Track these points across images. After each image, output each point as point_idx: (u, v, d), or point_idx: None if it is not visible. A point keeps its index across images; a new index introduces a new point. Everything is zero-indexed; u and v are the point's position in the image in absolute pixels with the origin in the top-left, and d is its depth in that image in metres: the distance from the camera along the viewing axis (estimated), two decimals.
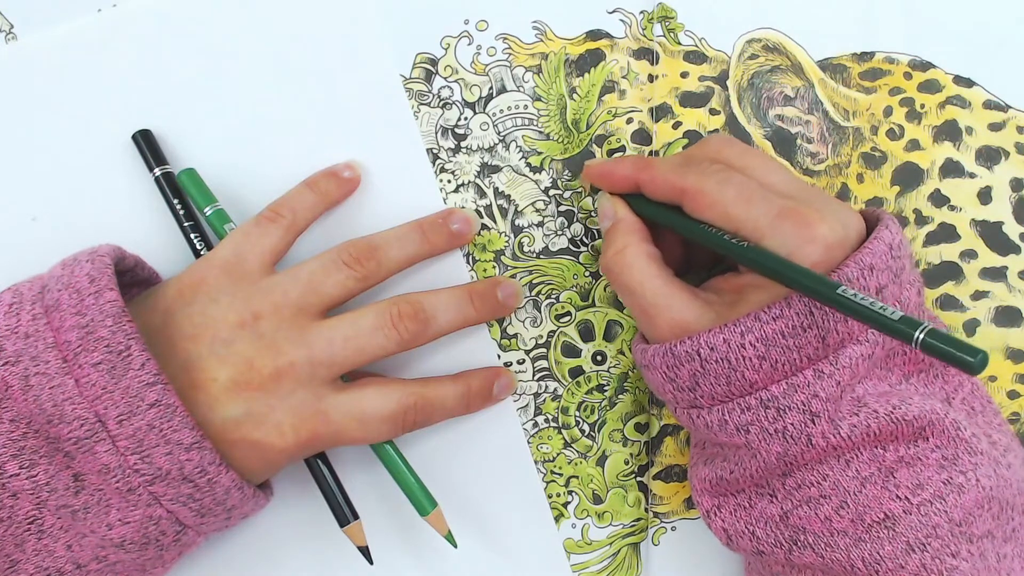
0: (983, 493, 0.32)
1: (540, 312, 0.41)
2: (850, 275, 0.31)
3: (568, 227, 0.41)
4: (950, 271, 0.41)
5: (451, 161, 0.41)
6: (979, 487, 0.32)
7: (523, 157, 0.41)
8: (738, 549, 0.35)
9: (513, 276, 0.41)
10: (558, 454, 0.42)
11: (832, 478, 0.32)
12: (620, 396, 0.42)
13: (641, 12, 0.40)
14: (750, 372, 0.31)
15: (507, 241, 0.41)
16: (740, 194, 0.33)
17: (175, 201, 0.39)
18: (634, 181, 0.37)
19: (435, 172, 0.41)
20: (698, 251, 0.39)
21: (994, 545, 0.33)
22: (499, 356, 0.42)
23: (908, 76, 0.41)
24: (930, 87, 0.41)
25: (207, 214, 0.38)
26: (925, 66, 0.41)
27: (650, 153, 0.41)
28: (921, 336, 0.27)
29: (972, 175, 0.41)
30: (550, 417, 0.42)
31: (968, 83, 0.41)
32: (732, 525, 0.34)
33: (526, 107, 0.41)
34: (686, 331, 0.33)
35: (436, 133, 0.41)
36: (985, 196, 0.41)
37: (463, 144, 0.41)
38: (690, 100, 0.41)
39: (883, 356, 0.33)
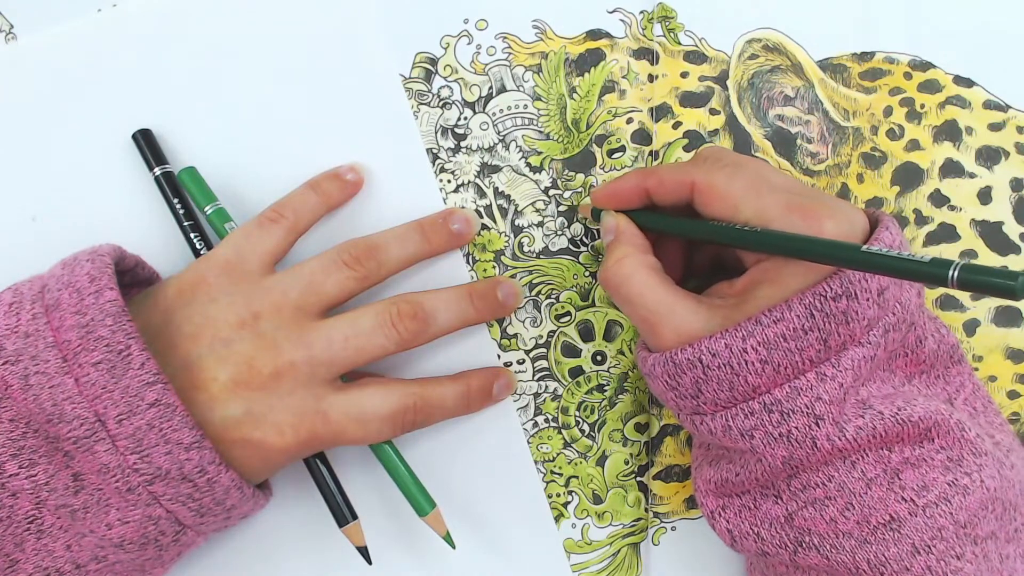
0: (987, 494, 0.32)
1: (540, 312, 0.41)
2: (852, 277, 0.31)
3: (568, 227, 0.41)
4: None
5: (451, 161, 0.41)
6: (984, 488, 0.32)
7: (523, 157, 0.41)
8: (742, 550, 0.35)
9: (513, 276, 0.41)
10: (558, 454, 0.42)
11: (837, 479, 0.32)
12: (620, 396, 0.42)
13: (641, 12, 0.41)
14: (753, 376, 0.31)
15: (507, 241, 0.41)
16: (749, 186, 0.33)
17: (175, 200, 0.39)
18: (642, 190, 0.36)
19: (435, 172, 0.41)
20: (698, 261, 0.39)
21: (997, 546, 0.33)
22: (499, 356, 0.41)
23: (908, 76, 0.41)
24: (930, 87, 0.41)
25: (208, 213, 0.38)
26: (925, 66, 0.41)
27: (650, 153, 0.41)
28: (955, 273, 0.26)
29: (972, 175, 0.41)
30: (550, 417, 0.42)
31: (968, 83, 0.41)
32: (737, 526, 0.34)
33: (526, 107, 0.41)
34: (692, 338, 0.33)
35: (436, 133, 0.41)
36: (985, 196, 0.41)
37: (463, 144, 0.41)
38: (690, 100, 0.41)
39: (885, 358, 0.33)
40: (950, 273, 0.26)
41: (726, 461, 0.35)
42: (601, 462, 0.42)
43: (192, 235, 0.38)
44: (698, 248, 0.39)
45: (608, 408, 0.42)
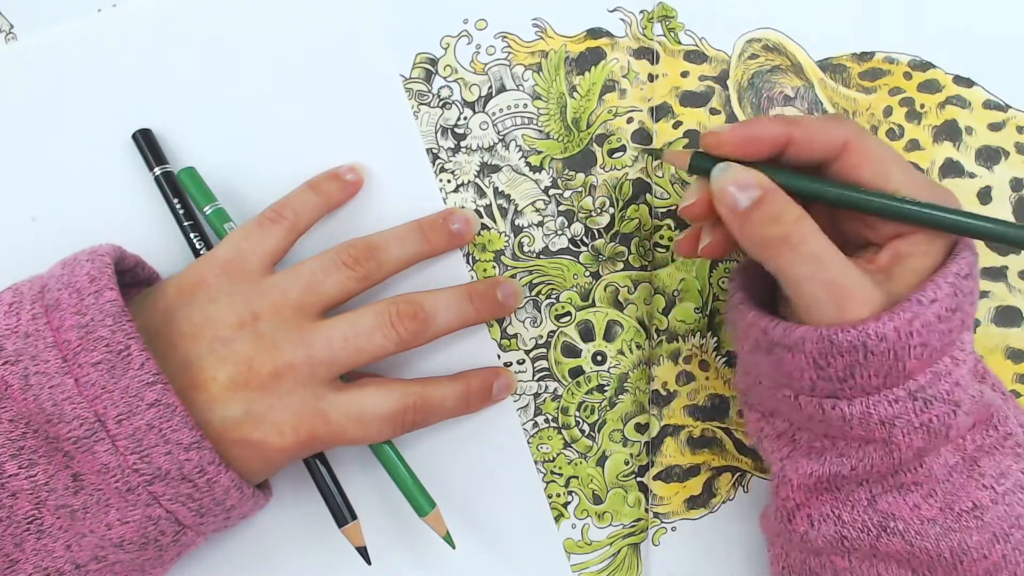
0: None
1: (540, 312, 0.41)
2: (972, 256, 0.31)
3: (568, 227, 0.41)
4: None
5: (451, 161, 0.41)
6: None
7: (523, 156, 0.41)
8: (816, 536, 0.34)
9: (513, 276, 0.41)
10: (558, 454, 0.42)
11: (926, 466, 0.32)
12: (620, 396, 0.42)
13: (641, 11, 0.40)
14: (912, 361, 0.30)
15: (507, 241, 0.41)
16: (896, 157, 0.32)
17: (175, 200, 0.39)
18: (786, 138, 0.32)
19: (435, 172, 0.41)
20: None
21: None
22: (499, 356, 0.41)
23: (908, 76, 0.41)
24: (930, 87, 0.41)
25: (207, 213, 0.38)
26: (925, 66, 0.41)
27: (650, 153, 0.41)
28: None
29: (972, 175, 0.41)
30: (550, 417, 0.42)
31: (968, 83, 0.41)
32: (817, 508, 0.33)
33: (526, 106, 0.41)
34: (875, 312, 0.30)
35: (436, 133, 0.41)
36: (985, 196, 0.41)
37: (463, 144, 0.41)
38: (690, 99, 0.41)
39: None
40: None
41: (834, 454, 0.33)
42: (601, 462, 0.42)
43: (192, 235, 0.38)
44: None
45: (608, 408, 0.42)
